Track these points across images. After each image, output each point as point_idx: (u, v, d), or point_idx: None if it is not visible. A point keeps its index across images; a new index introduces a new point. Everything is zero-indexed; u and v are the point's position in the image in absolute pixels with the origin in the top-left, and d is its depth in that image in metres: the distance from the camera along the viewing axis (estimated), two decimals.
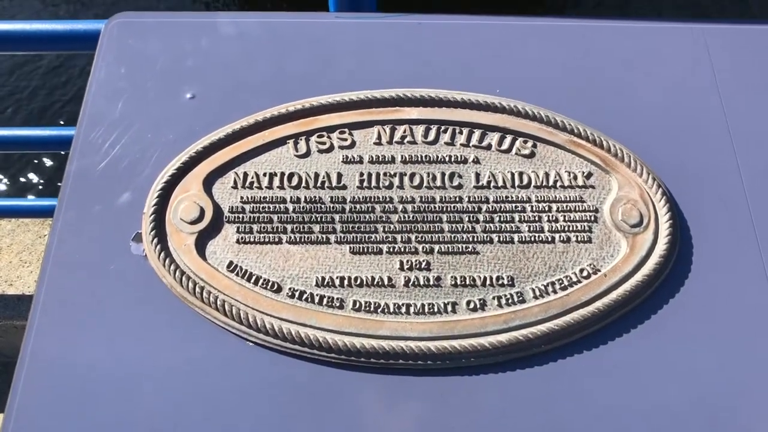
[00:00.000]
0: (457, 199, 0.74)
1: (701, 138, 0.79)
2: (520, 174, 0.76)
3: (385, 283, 0.69)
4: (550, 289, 0.69)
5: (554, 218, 0.73)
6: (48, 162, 3.04)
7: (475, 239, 0.72)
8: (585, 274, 0.70)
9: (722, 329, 0.68)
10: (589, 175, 0.76)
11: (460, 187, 0.75)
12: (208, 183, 0.74)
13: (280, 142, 0.77)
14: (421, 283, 0.69)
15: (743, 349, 0.67)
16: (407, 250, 0.71)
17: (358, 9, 0.94)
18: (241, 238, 0.71)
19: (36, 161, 3.03)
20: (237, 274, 0.69)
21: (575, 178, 0.76)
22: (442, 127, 0.79)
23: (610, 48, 0.86)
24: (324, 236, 0.72)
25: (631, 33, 0.88)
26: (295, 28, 0.86)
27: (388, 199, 0.74)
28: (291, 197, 0.74)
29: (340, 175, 0.75)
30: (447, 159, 0.77)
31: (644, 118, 0.80)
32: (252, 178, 0.75)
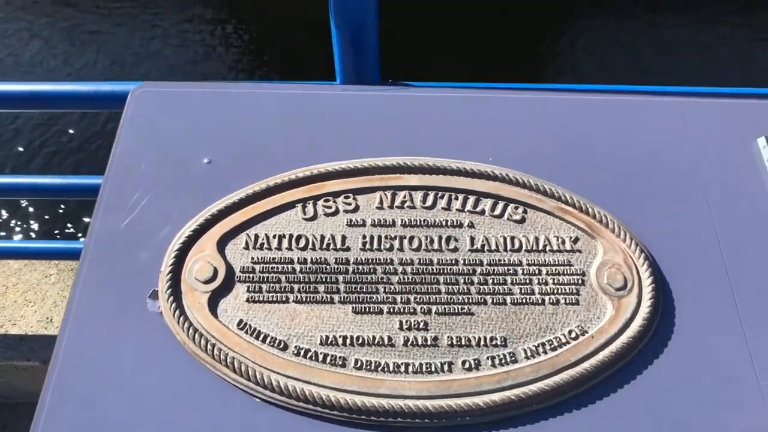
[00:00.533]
0: (453, 262, 0.79)
1: (681, 205, 0.85)
2: (512, 238, 0.81)
3: (386, 342, 0.73)
4: (540, 349, 0.73)
5: (544, 281, 0.78)
6: (25, 204, 3.13)
7: (470, 300, 0.77)
8: (573, 335, 0.74)
9: (704, 390, 0.72)
10: (576, 240, 0.82)
11: (455, 250, 0.80)
12: (222, 244, 0.80)
13: (289, 206, 0.83)
14: (420, 342, 0.74)
15: (725, 408, 0.70)
16: (406, 310, 0.76)
17: (363, 82, 1.02)
18: (251, 297, 0.76)
19: (14, 204, 3.11)
20: (246, 332, 0.74)
21: (563, 242, 0.81)
22: (440, 194, 0.85)
23: (596, 120, 0.93)
24: (328, 296, 0.76)
25: (615, 106, 0.95)
26: (304, 99, 0.94)
27: (388, 261, 0.79)
28: (298, 258, 0.79)
29: (344, 238, 0.81)
30: (444, 223, 0.83)
31: (627, 186, 0.87)
32: (262, 239, 0.80)
